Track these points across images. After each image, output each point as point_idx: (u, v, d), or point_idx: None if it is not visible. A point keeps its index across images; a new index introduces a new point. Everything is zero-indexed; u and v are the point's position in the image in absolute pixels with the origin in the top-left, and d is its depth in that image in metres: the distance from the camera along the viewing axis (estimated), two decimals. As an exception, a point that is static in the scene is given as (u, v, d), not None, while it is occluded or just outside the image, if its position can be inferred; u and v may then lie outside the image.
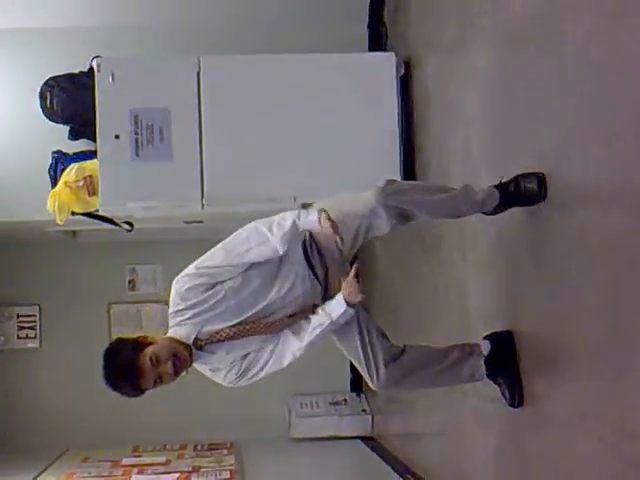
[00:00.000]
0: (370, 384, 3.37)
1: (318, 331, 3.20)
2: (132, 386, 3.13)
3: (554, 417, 3.11)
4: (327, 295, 3.29)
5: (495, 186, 3.28)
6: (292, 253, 3.21)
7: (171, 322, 3.23)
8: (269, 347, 3.25)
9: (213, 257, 3.21)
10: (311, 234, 3.25)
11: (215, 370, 3.31)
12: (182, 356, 3.14)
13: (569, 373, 2.99)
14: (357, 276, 3.17)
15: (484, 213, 3.38)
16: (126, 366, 3.10)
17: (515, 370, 3.42)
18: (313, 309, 3.25)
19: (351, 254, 3.37)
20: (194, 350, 3.19)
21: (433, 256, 4.68)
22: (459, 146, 4.21)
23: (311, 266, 3.26)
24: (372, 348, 3.31)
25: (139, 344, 3.14)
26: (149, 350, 3.10)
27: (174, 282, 3.22)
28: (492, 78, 3.75)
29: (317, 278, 3.28)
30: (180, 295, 3.18)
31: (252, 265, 3.18)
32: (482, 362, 3.42)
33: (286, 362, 3.27)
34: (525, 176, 3.18)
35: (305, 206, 3.42)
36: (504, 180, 3.28)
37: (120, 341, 3.26)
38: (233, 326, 3.17)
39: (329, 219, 3.08)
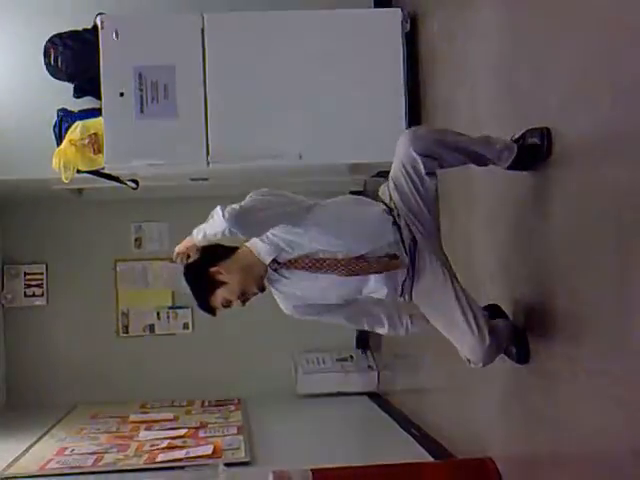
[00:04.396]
0: (476, 355, 3.26)
1: None
2: (208, 313, 3.29)
3: (560, 373, 3.12)
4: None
5: None
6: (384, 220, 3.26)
7: None
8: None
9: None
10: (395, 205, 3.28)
11: (281, 295, 3.36)
12: (251, 293, 3.23)
13: (575, 329, 3.00)
14: None
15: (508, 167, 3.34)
16: (201, 303, 3.26)
17: (521, 327, 3.44)
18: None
19: (426, 215, 3.36)
20: (269, 270, 3.23)
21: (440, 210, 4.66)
22: (465, 102, 4.19)
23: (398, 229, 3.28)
24: (472, 310, 3.23)
25: (211, 281, 3.19)
26: (219, 295, 3.20)
27: None
28: (499, 33, 3.72)
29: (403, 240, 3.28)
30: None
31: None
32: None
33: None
34: (532, 131, 3.18)
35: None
36: (515, 137, 3.27)
37: (197, 270, 3.25)
38: (313, 257, 3.18)
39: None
